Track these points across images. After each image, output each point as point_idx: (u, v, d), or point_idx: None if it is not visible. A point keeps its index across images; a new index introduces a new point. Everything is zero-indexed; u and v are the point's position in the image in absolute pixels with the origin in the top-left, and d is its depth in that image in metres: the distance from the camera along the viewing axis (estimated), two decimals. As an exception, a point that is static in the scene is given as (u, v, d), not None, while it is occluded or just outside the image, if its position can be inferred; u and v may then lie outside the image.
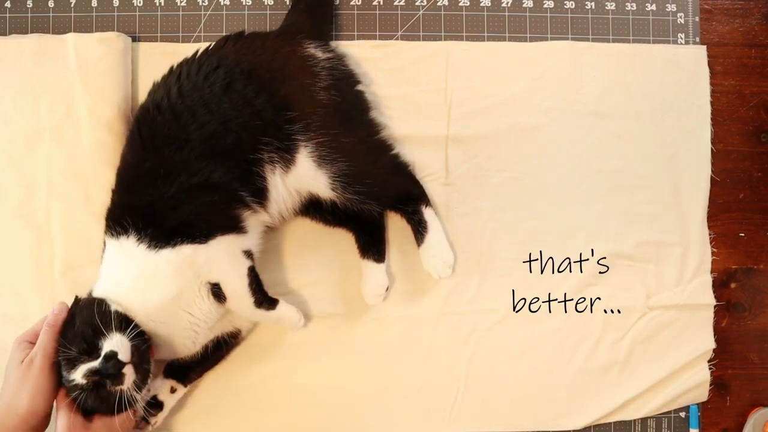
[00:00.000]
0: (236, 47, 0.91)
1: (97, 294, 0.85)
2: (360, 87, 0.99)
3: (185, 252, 0.83)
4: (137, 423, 0.91)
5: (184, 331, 0.87)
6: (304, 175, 0.90)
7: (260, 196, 0.90)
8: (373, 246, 0.98)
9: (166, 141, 0.85)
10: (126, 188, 0.88)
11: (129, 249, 0.83)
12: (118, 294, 0.84)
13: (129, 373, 0.78)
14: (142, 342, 0.82)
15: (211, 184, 0.85)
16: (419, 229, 0.97)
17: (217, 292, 0.87)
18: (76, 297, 0.86)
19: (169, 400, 0.95)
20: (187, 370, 0.95)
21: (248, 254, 0.91)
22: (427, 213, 0.98)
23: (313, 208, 0.96)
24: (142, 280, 0.84)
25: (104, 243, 0.88)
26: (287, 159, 0.89)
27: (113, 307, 0.82)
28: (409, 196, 0.98)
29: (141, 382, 0.82)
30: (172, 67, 0.93)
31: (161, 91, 0.89)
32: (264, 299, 0.90)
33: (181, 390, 0.96)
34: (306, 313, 1.01)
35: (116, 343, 0.78)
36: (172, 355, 0.90)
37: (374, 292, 0.99)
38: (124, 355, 0.78)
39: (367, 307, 1.02)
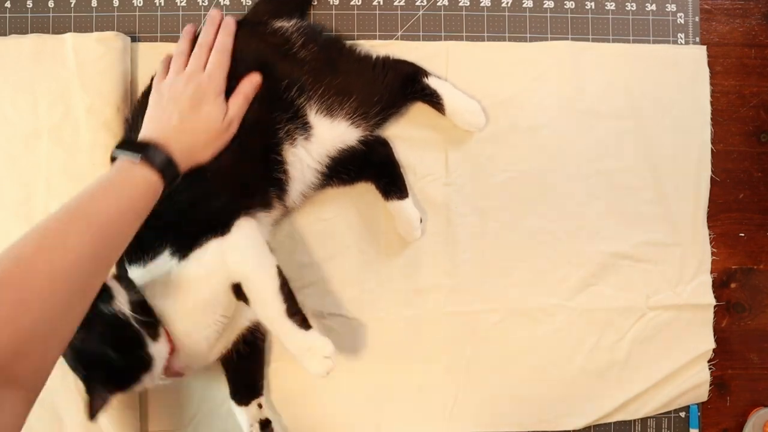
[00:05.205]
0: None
1: None
2: (326, 33, 1.01)
3: (212, 248, 0.82)
4: None
5: (213, 334, 0.85)
6: (327, 133, 0.92)
7: (281, 186, 0.91)
8: (392, 185, 0.99)
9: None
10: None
11: (160, 266, 0.82)
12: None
13: None
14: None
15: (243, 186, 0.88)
16: (434, 100, 0.99)
17: (239, 292, 0.82)
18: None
19: (266, 414, 0.96)
20: (247, 382, 0.95)
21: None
22: (432, 81, 0.99)
23: (332, 174, 0.97)
24: (174, 290, 0.81)
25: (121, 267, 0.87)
26: (303, 125, 0.90)
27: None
28: (411, 78, 0.99)
29: None
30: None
31: None
32: (298, 311, 0.82)
33: (262, 399, 0.97)
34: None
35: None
36: (200, 362, 0.89)
37: (410, 227, 0.99)
38: None
39: (367, 307, 1.02)
